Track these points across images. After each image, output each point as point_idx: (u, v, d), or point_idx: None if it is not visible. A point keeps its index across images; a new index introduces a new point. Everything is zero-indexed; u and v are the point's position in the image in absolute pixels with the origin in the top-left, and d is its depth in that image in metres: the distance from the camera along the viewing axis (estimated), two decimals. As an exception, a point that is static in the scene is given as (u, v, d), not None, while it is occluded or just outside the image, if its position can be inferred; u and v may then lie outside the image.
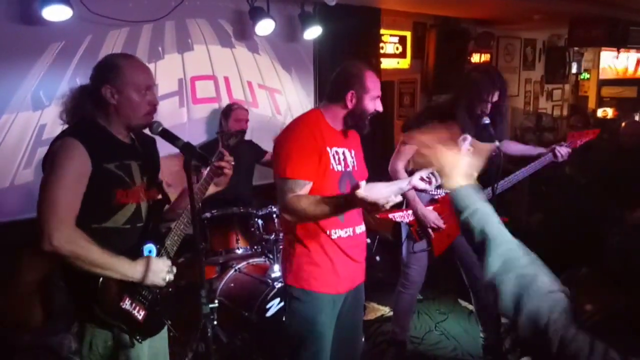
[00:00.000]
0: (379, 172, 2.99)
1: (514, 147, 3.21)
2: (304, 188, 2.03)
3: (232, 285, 3.34)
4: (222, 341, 3.18)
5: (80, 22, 3.23)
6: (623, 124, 4.61)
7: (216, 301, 3.19)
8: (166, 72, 3.80)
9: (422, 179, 2.23)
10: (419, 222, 2.94)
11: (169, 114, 3.82)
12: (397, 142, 5.58)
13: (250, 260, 3.44)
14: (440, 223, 2.91)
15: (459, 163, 1.36)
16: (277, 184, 2.08)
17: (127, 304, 1.78)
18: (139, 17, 3.55)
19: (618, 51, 7.45)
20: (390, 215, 2.92)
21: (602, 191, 4.19)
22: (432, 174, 2.21)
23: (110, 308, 1.74)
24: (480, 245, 1.21)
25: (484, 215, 1.25)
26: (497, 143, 2.67)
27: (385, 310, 3.98)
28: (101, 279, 1.71)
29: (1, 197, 3.21)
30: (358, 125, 2.19)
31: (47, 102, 3.29)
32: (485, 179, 2.99)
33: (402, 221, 3.02)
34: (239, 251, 3.34)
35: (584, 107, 8.60)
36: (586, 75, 8.76)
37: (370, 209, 1.80)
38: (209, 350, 1.90)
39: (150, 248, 1.88)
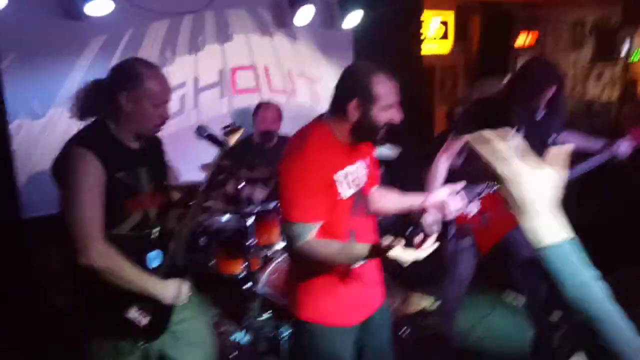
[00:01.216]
0: (418, 161, 2.90)
1: (573, 140, 3.04)
2: (313, 231, 1.79)
3: (275, 276, 3.34)
4: (267, 334, 3.18)
5: (121, 16, 3.24)
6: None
7: (260, 291, 3.20)
8: (207, 63, 3.80)
9: (438, 204, 1.97)
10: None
11: (209, 105, 3.83)
12: (438, 130, 5.48)
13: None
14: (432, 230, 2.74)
15: (546, 187, 0.88)
16: (283, 227, 1.88)
17: (132, 313, 1.81)
18: (179, 9, 3.55)
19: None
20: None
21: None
22: (456, 196, 1.95)
23: (115, 317, 1.80)
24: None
25: (599, 302, 0.87)
26: (554, 137, 2.56)
27: (429, 302, 3.90)
28: (107, 288, 1.74)
29: (47, 191, 3.27)
30: (368, 139, 1.88)
31: (92, 96, 3.33)
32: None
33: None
34: (282, 245, 3.33)
35: (635, 90, 8.17)
36: (639, 55, 8.30)
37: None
38: (256, 344, 1.90)
39: (156, 254, 1.90)
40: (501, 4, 5.81)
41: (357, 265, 1.91)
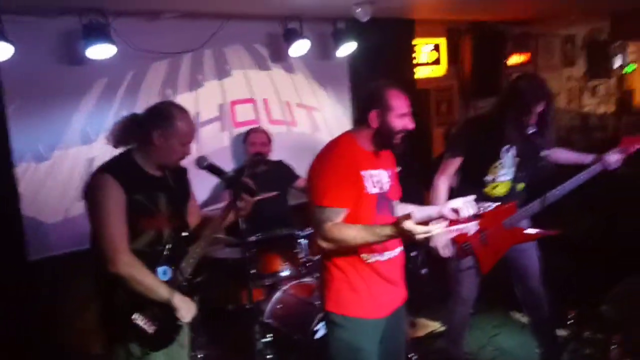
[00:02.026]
0: (418, 181, 2.96)
1: (564, 156, 3.09)
2: (340, 215, 2.04)
3: (280, 307, 3.35)
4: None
5: (122, 58, 3.33)
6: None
7: (266, 321, 3.20)
8: (206, 99, 3.90)
9: (453, 209, 2.19)
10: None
11: (211, 139, 3.90)
12: (436, 151, 5.53)
13: (296, 281, 3.45)
14: (445, 253, 2.81)
15: None
16: (313, 212, 2.07)
17: (139, 319, 2.00)
18: (178, 49, 3.66)
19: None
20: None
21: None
22: (468, 203, 2.16)
23: (122, 322, 1.99)
24: None
25: None
26: (545, 152, 2.62)
27: (436, 326, 3.91)
28: (117, 295, 1.97)
29: (56, 230, 3.33)
30: (387, 145, 2.18)
31: (95, 137, 3.42)
32: (534, 189, 2.95)
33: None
34: (285, 273, 3.36)
35: (631, 102, 8.24)
36: (632, 67, 8.39)
37: (414, 240, 1.86)
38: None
39: (165, 270, 2.09)
40: (491, 23, 5.91)
41: (381, 258, 2.13)
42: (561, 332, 3.47)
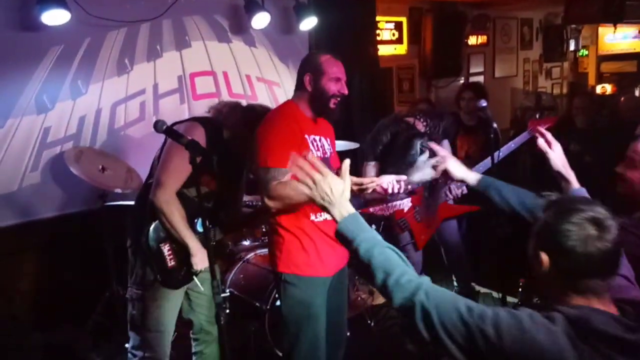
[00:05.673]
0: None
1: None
2: (285, 175, 2.09)
3: (242, 276, 3.40)
4: (236, 330, 3.24)
5: (78, 25, 3.26)
6: (622, 99, 4.62)
7: (227, 291, 3.25)
8: (165, 70, 3.84)
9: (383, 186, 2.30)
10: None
11: (170, 111, 3.87)
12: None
13: (258, 251, 3.50)
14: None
15: (342, 190, 1.37)
16: (259, 174, 2.14)
17: (165, 248, 2.22)
18: (136, 17, 3.59)
19: (615, 27, 7.40)
20: (372, 209, 2.91)
21: (606, 169, 4.20)
22: (397, 181, 2.23)
23: (151, 244, 2.20)
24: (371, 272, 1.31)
25: (371, 243, 1.32)
26: (494, 125, 2.72)
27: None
28: (157, 222, 2.19)
29: (9, 201, 3.27)
30: (322, 109, 2.24)
31: (51, 106, 3.34)
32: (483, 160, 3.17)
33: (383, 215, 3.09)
34: (247, 242, 3.40)
35: (584, 84, 8.57)
36: (585, 52, 8.72)
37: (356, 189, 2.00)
38: (223, 338, 1.98)
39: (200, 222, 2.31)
40: (452, 3, 6.03)
41: (329, 217, 2.10)
42: (512, 299, 3.65)
